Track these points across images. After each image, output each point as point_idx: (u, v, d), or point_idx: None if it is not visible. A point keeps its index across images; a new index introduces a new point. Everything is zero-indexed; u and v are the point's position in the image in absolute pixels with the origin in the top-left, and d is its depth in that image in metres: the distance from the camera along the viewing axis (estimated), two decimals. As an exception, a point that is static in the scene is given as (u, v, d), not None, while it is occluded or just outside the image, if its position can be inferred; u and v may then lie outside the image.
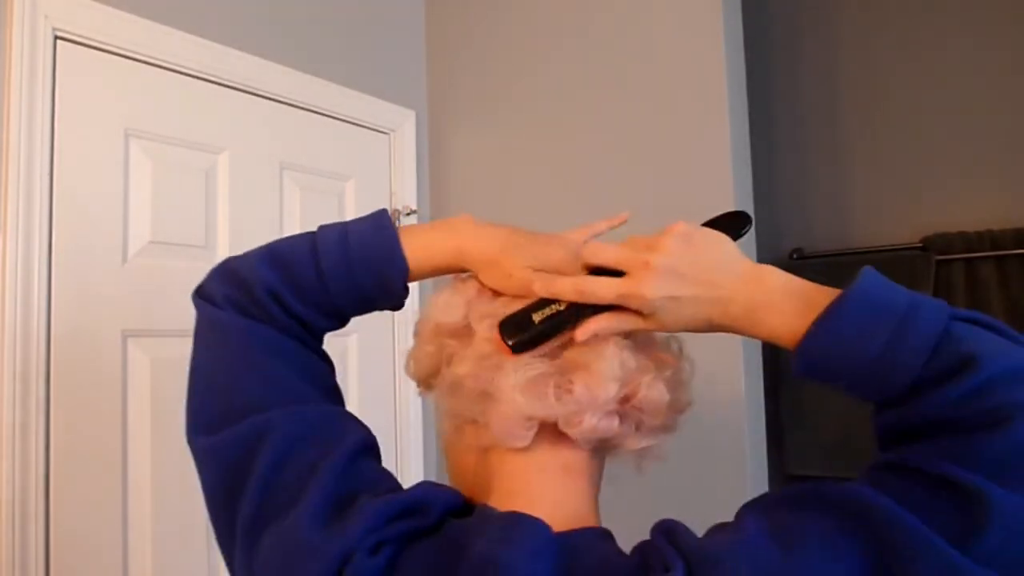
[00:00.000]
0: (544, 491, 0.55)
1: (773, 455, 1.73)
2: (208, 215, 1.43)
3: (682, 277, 0.54)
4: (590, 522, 0.55)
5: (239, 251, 0.62)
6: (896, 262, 2.16)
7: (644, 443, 0.57)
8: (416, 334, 0.64)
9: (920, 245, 2.15)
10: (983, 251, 2.06)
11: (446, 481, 0.62)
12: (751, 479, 1.46)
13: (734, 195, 1.51)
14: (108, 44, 1.27)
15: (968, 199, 2.15)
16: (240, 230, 1.47)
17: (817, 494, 0.49)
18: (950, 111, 2.18)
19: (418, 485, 0.53)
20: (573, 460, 0.56)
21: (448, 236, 0.61)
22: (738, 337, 1.57)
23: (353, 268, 0.59)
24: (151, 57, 1.34)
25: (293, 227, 1.59)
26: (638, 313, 0.55)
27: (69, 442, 1.18)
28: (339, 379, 0.65)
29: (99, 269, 1.24)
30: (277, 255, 0.60)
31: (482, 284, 0.61)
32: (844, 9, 2.36)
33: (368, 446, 0.56)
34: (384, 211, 0.63)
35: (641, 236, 0.57)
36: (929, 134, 2.21)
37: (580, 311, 0.55)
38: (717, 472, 1.46)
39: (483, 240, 0.60)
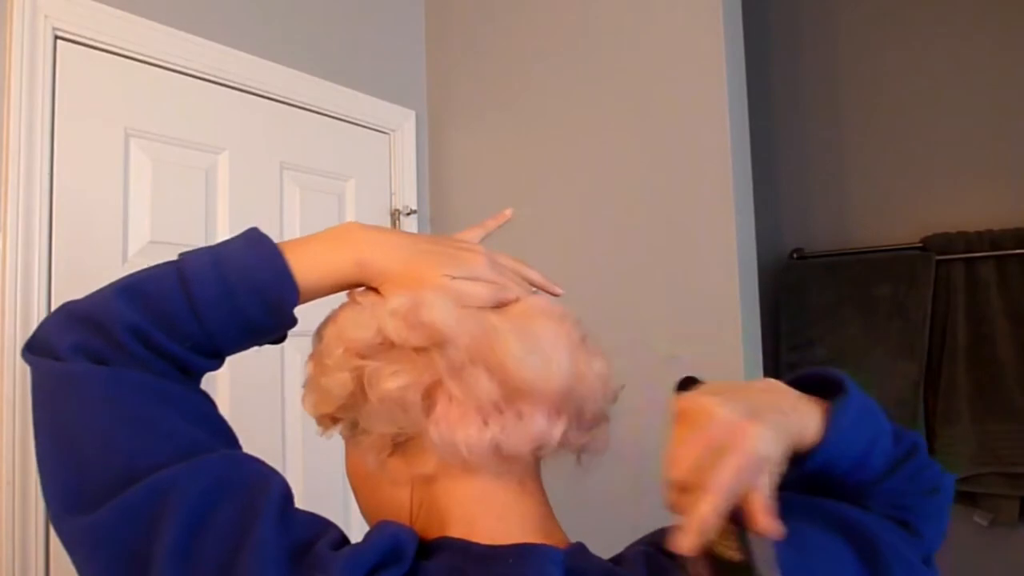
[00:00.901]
0: (507, 511, 0.52)
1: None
2: (208, 215, 1.43)
3: (753, 407, 0.48)
4: (557, 534, 0.53)
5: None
6: (896, 262, 2.16)
7: (586, 438, 0.54)
8: (317, 365, 0.55)
9: (920, 245, 2.15)
10: (983, 251, 2.06)
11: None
12: (751, 479, 1.46)
13: (734, 195, 1.51)
14: (108, 44, 1.27)
15: (968, 199, 2.15)
16: (240, 230, 1.47)
17: (802, 506, 0.55)
18: (950, 111, 2.18)
19: (382, 527, 0.47)
20: (525, 471, 0.53)
21: (341, 248, 0.54)
22: (738, 338, 1.57)
23: (234, 294, 0.51)
24: (151, 57, 1.33)
25: (293, 227, 1.59)
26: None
27: (69, 442, 1.18)
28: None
29: (99, 269, 1.24)
30: (135, 289, 0.52)
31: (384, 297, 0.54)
32: (844, 9, 2.36)
33: (288, 491, 0.48)
34: (256, 229, 0.56)
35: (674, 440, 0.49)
36: (929, 134, 2.21)
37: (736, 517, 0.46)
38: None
39: (385, 250, 0.54)
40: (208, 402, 0.54)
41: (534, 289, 0.61)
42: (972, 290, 2.08)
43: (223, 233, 1.45)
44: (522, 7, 1.82)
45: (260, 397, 1.45)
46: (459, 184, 1.90)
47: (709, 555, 0.45)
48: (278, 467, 0.50)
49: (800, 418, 0.52)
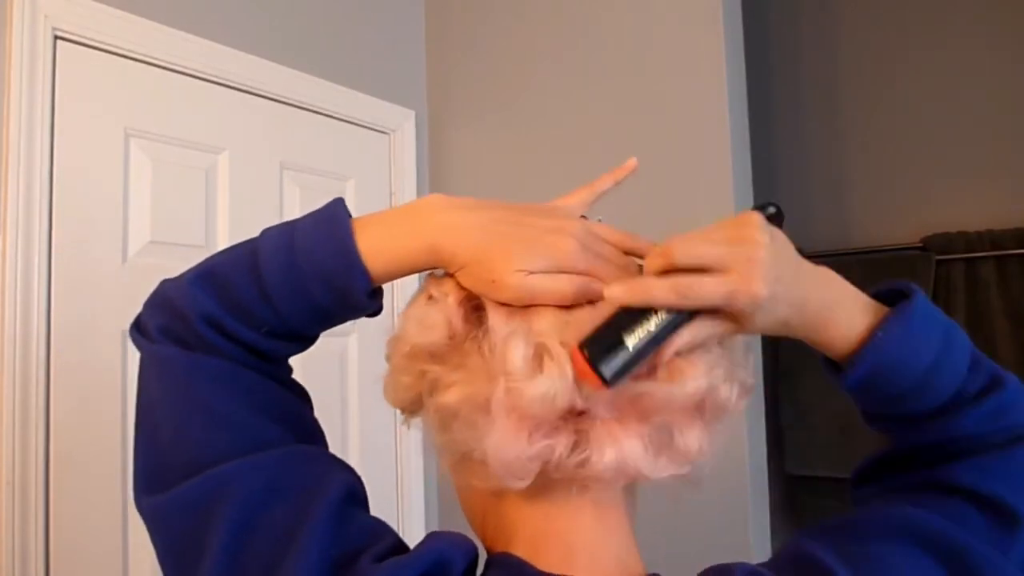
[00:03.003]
0: (578, 537, 0.47)
1: (773, 455, 1.73)
2: (208, 215, 1.43)
3: (777, 274, 0.46)
4: (635, 567, 0.48)
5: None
6: (896, 262, 2.16)
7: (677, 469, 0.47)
8: (388, 357, 0.53)
9: (920, 245, 2.15)
10: (983, 251, 2.06)
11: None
12: (751, 479, 1.46)
13: (734, 195, 1.51)
14: (108, 44, 1.27)
15: (968, 199, 2.15)
16: (240, 230, 1.47)
17: (877, 522, 0.50)
18: (951, 111, 2.19)
19: (429, 540, 0.44)
20: (603, 495, 0.48)
21: (415, 230, 0.48)
22: (738, 336, 1.56)
23: (303, 283, 0.48)
24: (151, 57, 1.34)
25: (293, 227, 1.59)
26: (730, 316, 0.47)
27: (69, 442, 1.18)
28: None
29: (99, 269, 1.24)
30: (212, 273, 0.50)
31: (461, 286, 0.49)
32: (844, 10, 2.36)
33: (352, 492, 0.46)
34: (339, 202, 0.51)
35: (711, 227, 0.48)
36: (929, 134, 2.21)
37: (676, 321, 0.45)
38: (717, 472, 1.46)
39: (460, 235, 0.48)
40: (289, 393, 0.52)
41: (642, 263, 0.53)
42: (972, 290, 2.08)
43: (223, 233, 1.45)
44: (522, 7, 1.82)
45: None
46: (459, 184, 1.90)
47: (614, 316, 0.44)
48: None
49: (833, 307, 0.49)
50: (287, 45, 1.59)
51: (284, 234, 0.49)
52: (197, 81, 1.42)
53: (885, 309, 0.51)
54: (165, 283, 0.52)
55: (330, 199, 0.52)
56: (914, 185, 2.23)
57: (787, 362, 2.26)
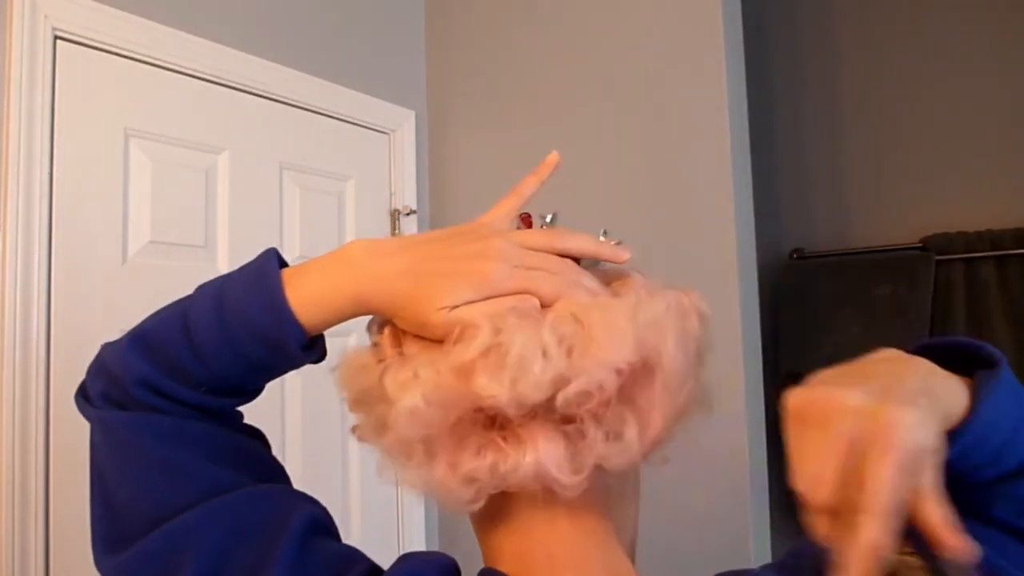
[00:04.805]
0: (558, 548, 0.45)
1: (773, 455, 1.73)
2: (208, 215, 1.43)
3: (893, 387, 0.39)
4: None
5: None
6: (896, 262, 2.16)
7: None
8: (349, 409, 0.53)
9: (920, 245, 2.15)
10: (983, 251, 2.06)
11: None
12: (751, 479, 1.46)
13: (734, 195, 1.51)
14: (108, 44, 1.27)
15: (968, 199, 2.15)
16: (240, 230, 1.47)
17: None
18: (950, 111, 2.19)
19: (401, 561, 0.44)
20: (576, 501, 0.44)
21: (342, 280, 0.48)
22: (737, 337, 1.57)
23: (235, 340, 0.47)
24: (151, 57, 1.34)
25: (293, 227, 1.59)
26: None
27: (69, 442, 1.18)
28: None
29: (99, 269, 1.24)
30: (144, 337, 0.49)
31: (397, 327, 0.48)
32: (844, 9, 2.36)
33: (316, 522, 0.46)
34: (270, 253, 0.50)
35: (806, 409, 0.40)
36: (929, 134, 2.21)
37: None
38: (717, 472, 1.46)
39: (382, 284, 0.47)
40: (240, 435, 0.52)
41: (594, 263, 0.51)
42: (972, 290, 2.08)
43: (223, 233, 1.45)
44: (522, 8, 1.82)
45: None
46: (459, 184, 1.90)
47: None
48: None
49: (949, 394, 0.42)
50: (287, 45, 1.59)
51: (212, 295, 0.49)
52: (197, 81, 1.42)
53: (963, 377, 0.45)
54: (105, 347, 0.51)
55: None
56: (914, 185, 2.23)
57: (788, 363, 2.26)
